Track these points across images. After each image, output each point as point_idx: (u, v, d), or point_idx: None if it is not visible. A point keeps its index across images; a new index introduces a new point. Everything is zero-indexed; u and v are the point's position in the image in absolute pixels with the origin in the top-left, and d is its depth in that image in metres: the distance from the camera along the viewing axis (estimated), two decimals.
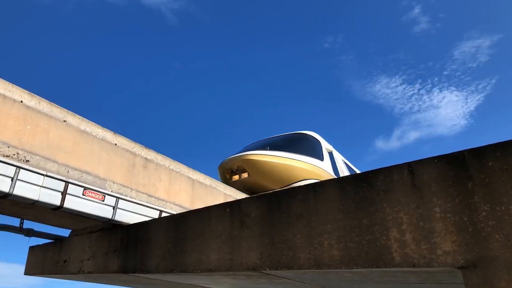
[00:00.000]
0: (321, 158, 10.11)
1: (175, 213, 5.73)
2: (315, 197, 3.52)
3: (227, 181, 8.95)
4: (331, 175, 9.98)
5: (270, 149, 9.12)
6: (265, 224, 3.78)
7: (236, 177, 8.95)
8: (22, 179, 4.16)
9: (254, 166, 8.68)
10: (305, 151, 9.71)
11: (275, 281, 4.38)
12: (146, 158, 5.88)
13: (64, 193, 4.51)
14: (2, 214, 5.28)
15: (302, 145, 10.07)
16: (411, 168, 3.08)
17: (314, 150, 10.12)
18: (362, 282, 4.04)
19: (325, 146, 10.84)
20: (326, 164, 10.17)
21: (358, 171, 13.25)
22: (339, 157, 11.64)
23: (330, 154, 10.94)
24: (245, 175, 8.85)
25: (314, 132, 10.86)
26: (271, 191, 4.09)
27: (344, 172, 11.31)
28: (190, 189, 6.54)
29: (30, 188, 4.22)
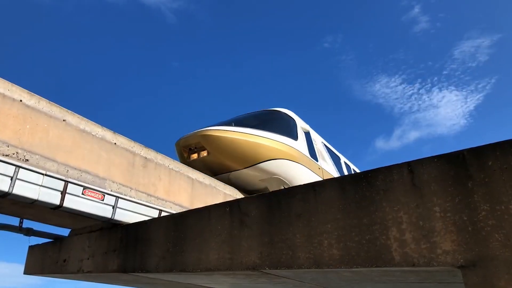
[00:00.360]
0: (294, 137, 9.04)
1: (174, 212, 5.73)
2: (315, 197, 3.52)
3: (185, 160, 8.02)
4: (306, 156, 9.17)
5: (235, 126, 8.13)
6: (264, 223, 3.78)
7: (194, 156, 8.01)
8: (22, 178, 4.15)
9: (213, 143, 7.67)
10: (275, 129, 8.64)
11: (274, 280, 4.38)
12: (146, 158, 5.88)
13: (63, 193, 4.51)
14: (2, 213, 5.27)
15: (272, 122, 9.02)
16: (410, 167, 3.09)
17: (286, 128, 9.04)
18: (362, 281, 4.04)
19: (301, 125, 9.71)
20: (300, 144, 9.14)
21: (342, 156, 12.32)
22: (318, 139, 10.59)
23: (307, 134, 9.82)
24: (204, 153, 7.88)
25: (288, 110, 9.76)
26: (270, 191, 4.08)
27: (323, 155, 10.43)
28: (190, 189, 6.54)
29: (30, 187, 4.21)
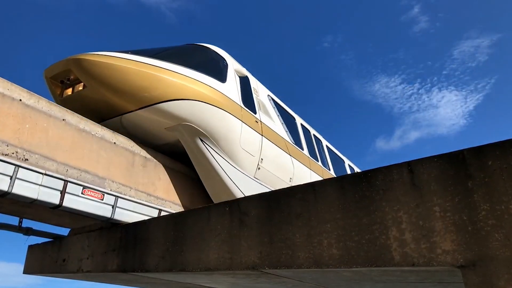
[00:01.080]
0: (220, 78, 6.96)
1: (174, 212, 5.73)
2: (315, 196, 3.52)
3: (57, 98, 5.97)
4: (236, 103, 7.02)
5: (132, 54, 5.95)
6: (264, 223, 3.78)
7: (69, 92, 5.94)
8: (21, 177, 4.15)
9: (90, 71, 5.53)
10: (191, 64, 6.53)
11: (274, 280, 4.38)
12: (145, 157, 5.87)
13: (63, 192, 4.51)
14: (1, 212, 5.27)
15: (191, 56, 6.95)
16: (410, 167, 3.08)
17: (209, 65, 6.97)
18: (362, 281, 4.04)
19: (235, 67, 7.67)
20: (229, 87, 7.03)
21: (299, 118, 10.06)
22: (261, 90, 8.50)
23: (243, 79, 7.82)
24: (80, 87, 5.81)
25: (220, 49, 7.68)
26: (270, 191, 4.07)
27: (267, 109, 8.30)
28: (190, 188, 6.53)
29: (29, 186, 4.21)
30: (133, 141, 5.85)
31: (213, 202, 6.36)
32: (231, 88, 7.14)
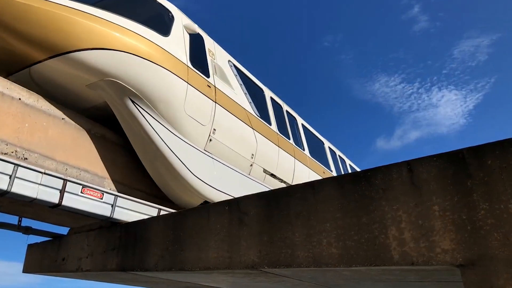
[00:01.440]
0: (162, 31, 5.93)
1: (173, 211, 5.73)
2: (314, 196, 3.52)
3: None
4: (180, 61, 5.97)
5: None
6: (264, 222, 3.78)
7: None
8: (20, 176, 4.14)
9: None
10: (124, 12, 5.47)
11: (273, 279, 4.39)
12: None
13: (62, 191, 4.50)
14: (1, 212, 5.28)
15: (126, 4, 5.90)
16: (410, 166, 3.08)
17: (148, 16, 6.00)
18: (361, 280, 4.04)
19: (184, 22, 6.61)
20: (173, 43, 6.01)
21: (268, 91, 9.02)
22: (220, 53, 7.48)
23: (194, 37, 6.75)
24: None
25: (169, 2, 6.59)
26: (269, 190, 4.08)
27: (225, 75, 7.29)
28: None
29: (28, 185, 4.20)
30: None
31: (150, 176, 5.78)
32: (176, 43, 6.10)
